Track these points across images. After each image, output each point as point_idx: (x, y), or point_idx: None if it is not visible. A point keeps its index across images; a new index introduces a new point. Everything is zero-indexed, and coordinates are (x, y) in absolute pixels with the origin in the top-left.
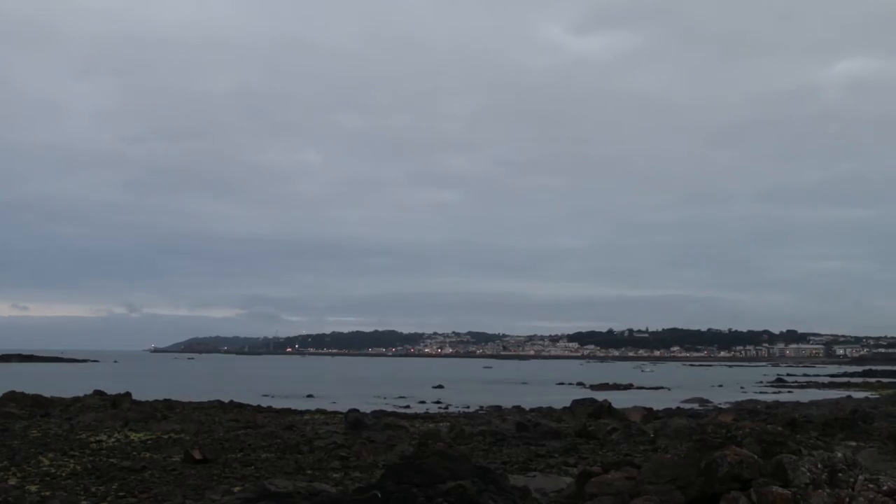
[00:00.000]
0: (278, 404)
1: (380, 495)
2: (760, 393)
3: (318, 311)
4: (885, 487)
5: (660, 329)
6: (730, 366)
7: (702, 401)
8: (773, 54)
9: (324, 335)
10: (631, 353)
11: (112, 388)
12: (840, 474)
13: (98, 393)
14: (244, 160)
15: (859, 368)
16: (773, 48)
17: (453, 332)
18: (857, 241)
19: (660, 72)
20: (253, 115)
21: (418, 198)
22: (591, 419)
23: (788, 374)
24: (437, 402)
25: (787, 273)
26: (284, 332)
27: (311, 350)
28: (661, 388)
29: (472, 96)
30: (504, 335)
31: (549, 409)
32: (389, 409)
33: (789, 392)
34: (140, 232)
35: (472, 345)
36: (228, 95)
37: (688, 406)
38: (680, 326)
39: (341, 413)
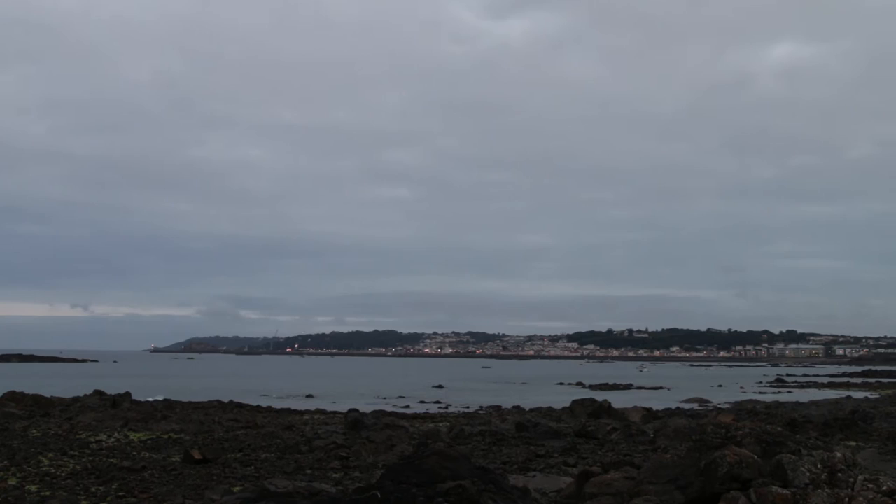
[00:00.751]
0: (278, 404)
1: (379, 495)
2: (760, 393)
3: (302, 310)
4: (884, 487)
5: (659, 329)
6: (729, 366)
7: (701, 401)
8: (696, 39)
9: (323, 335)
10: (630, 353)
11: (112, 388)
12: (839, 474)
13: (98, 393)
14: (185, 155)
15: (859, 368)
16: (695, 33)
17: (453, 332)
18: (829, 238)
19: (586, 58)
20: (179, 106)
21: (372, 194)
22: (591, 419)
23: (788, 375)
24: (437, 402)
25: (767, 272)
26: (264, 331)
27: (311, 350)
28: (661, 388)
29: (397, 87)
30: (504, 335)
31: (549, 409)
32: (389, 409)
33: (789, 392)
34: (102, 230)
35: (472, 345)
36: (149, 85)
37: (687, 406)
38: (679, 326)
39: (341, 413)
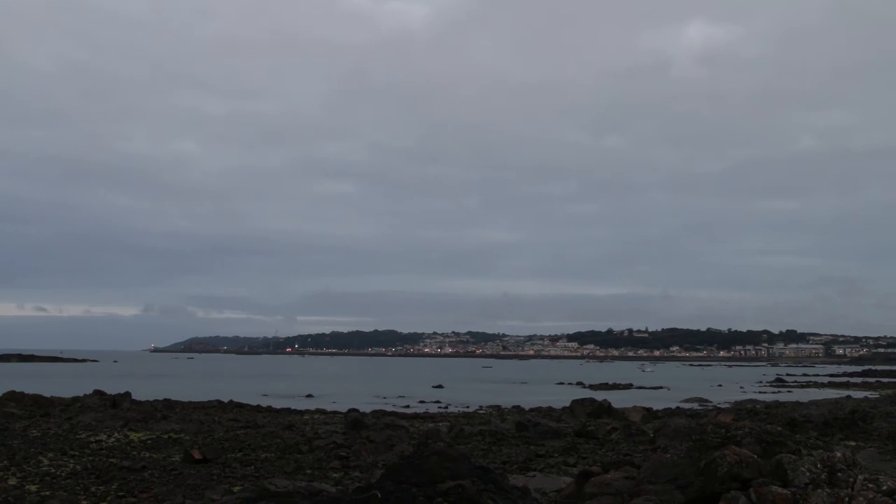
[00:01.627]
0: (278, 404)
1: (379, 495)
2: (760, 393)
3: (283, 310)
4: (884, 487)
5: (659, 329)
6: (729, 366)
7: (701, 400)
8: (601, 20)
9: (323, 335)
10: (630, 353)
11: (112, 388)
12: (839, 474)
13: (98, 393)
14: (115, 149)
15: (859, 368)
16: (598, 14)
17: (453, 332)
18: (797, 234)
19: (493, 41)
20: (89, 97)
21: (317, 189)
22: (591, 419)
23: (788, 374)
24: (437, 402)
25: (742, 270)
26: (247, 332)
27: (311, 350)
28: (661, 387)
29: (310, 74)
30: (503, 335)
31: (549, 408)
32: (389, 408)
33: (789, 392)
34: (56, 228)
35: (472, 344)
36: (57, 73)
37: (687, 406)
38: (679, 326)
39: (341, 413)
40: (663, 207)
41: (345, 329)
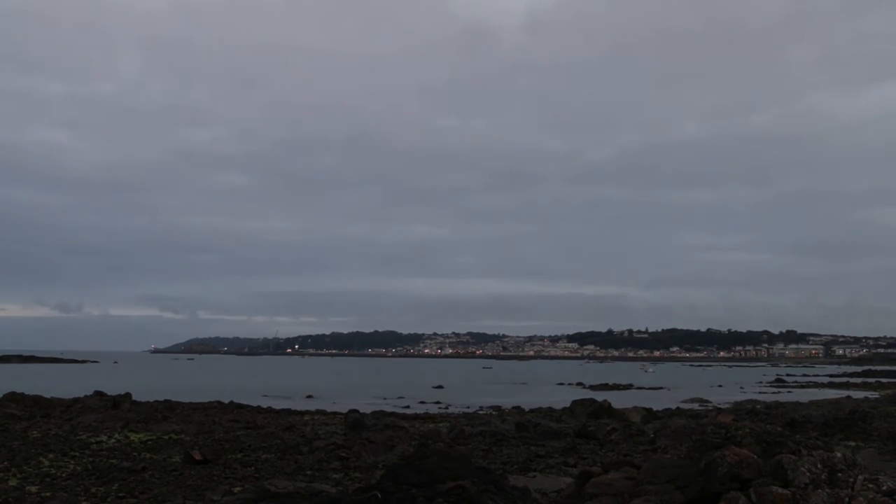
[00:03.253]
0: (278, 405)
1: (380, 495)
2: (760, 393)
3: (245, 310)
4: (884, 487)
5: (659, 329)
6: (729, 366)
7: (701, 401)
8: None
9: (323, 336)
10: (630, 354)
11: (112, 389)
12: (840, 474)
13: (98, 394)
14: None
15: (859, 368)
16: None
17: (453, 333)
18: (729, 228)
19: (288, 7)
20: None
21: (211, 182)
22: (591, 419)
23: (788, 375)
24: (437, 403)
25: (696, 267)
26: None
27: (311, 351)
28: (661, 388)
29: (123, 52)
30: (504, 335)
31: (549, 409)
32: (389, 409)
33: (789, 392)
34: None
35: (472, 345)
36: None
37: (687, 406)
38: (679, 327)
39: (341, 413)
40: (576, 199)
41: (344, 330)
